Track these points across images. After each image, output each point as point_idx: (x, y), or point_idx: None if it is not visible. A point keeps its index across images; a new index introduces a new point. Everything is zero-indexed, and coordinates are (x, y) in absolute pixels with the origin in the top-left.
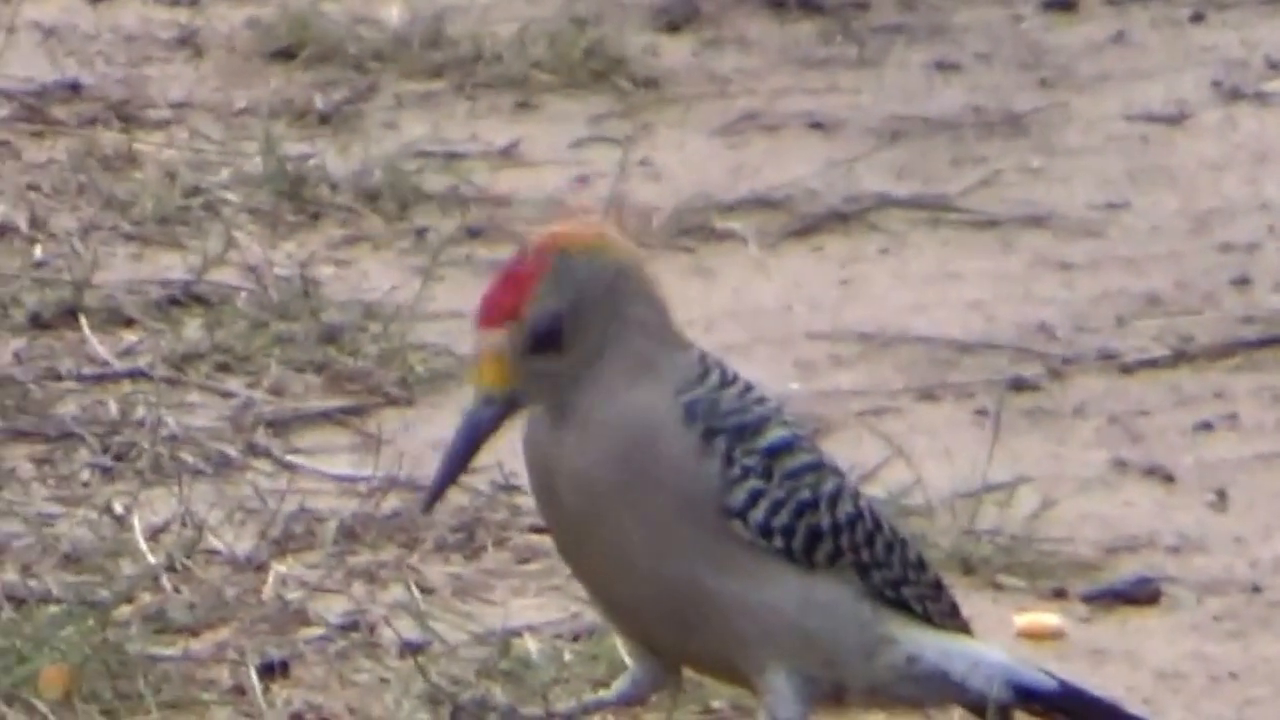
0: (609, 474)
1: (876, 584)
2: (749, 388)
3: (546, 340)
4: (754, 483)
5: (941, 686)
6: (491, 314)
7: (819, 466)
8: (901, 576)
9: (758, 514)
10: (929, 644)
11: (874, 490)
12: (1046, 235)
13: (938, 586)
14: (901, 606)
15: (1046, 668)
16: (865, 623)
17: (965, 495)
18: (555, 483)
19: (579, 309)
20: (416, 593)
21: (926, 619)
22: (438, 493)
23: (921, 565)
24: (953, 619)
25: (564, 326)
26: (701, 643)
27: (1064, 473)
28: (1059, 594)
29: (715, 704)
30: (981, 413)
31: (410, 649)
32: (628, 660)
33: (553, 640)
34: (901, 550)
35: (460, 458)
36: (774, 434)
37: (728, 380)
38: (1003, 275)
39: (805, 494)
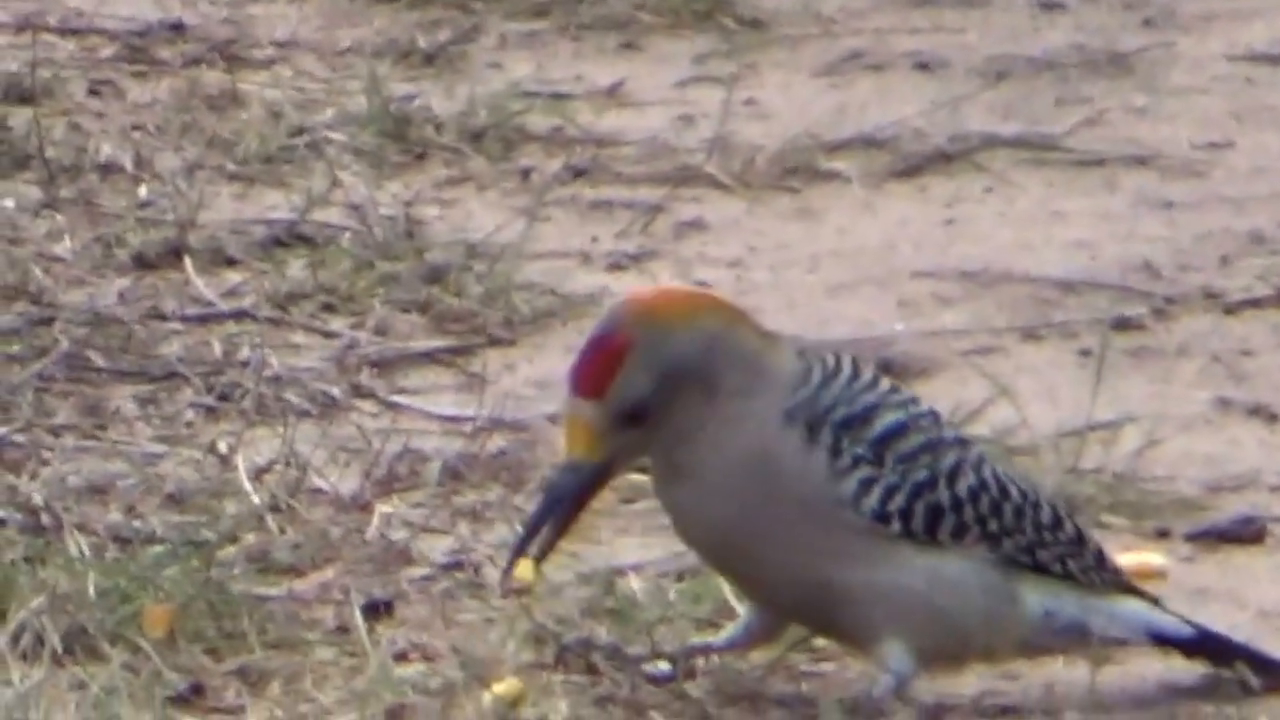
0: (733, 515)
1: (1008, 551)
2: (855, 375)
3: (632, 418)
4: (864, 471)
5: (1081, 637)
6: (580, 385)
7: (936, 445)
8: (1036, 540)
9: (871, 501)
10: (1066, 599)
11: (978, 430)
12: (1151, 174)
13: (1078, 542)
14: (1039, 569)
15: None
16: (995, 592)
17: (1069, 434)
18: (687, 531)
19: (665, 385)
20: (521, 532)
21: (1067, 577)
22: (516, 556)
23: (1058, 524)
24: (1100, 570)
25: (650, 404)
26: (829, 623)
27: (1168, 412)
28: (1162, 533)
29: (820, 643)
30: (1085, 352)
31: (515, 589)
32: (737, 606)
33: (657, 579)
34: (1034, 513)
35: (540, 524)
36: (885, 420)
37: (830, 373)
38: (1107, 214)
39: (922, 474)
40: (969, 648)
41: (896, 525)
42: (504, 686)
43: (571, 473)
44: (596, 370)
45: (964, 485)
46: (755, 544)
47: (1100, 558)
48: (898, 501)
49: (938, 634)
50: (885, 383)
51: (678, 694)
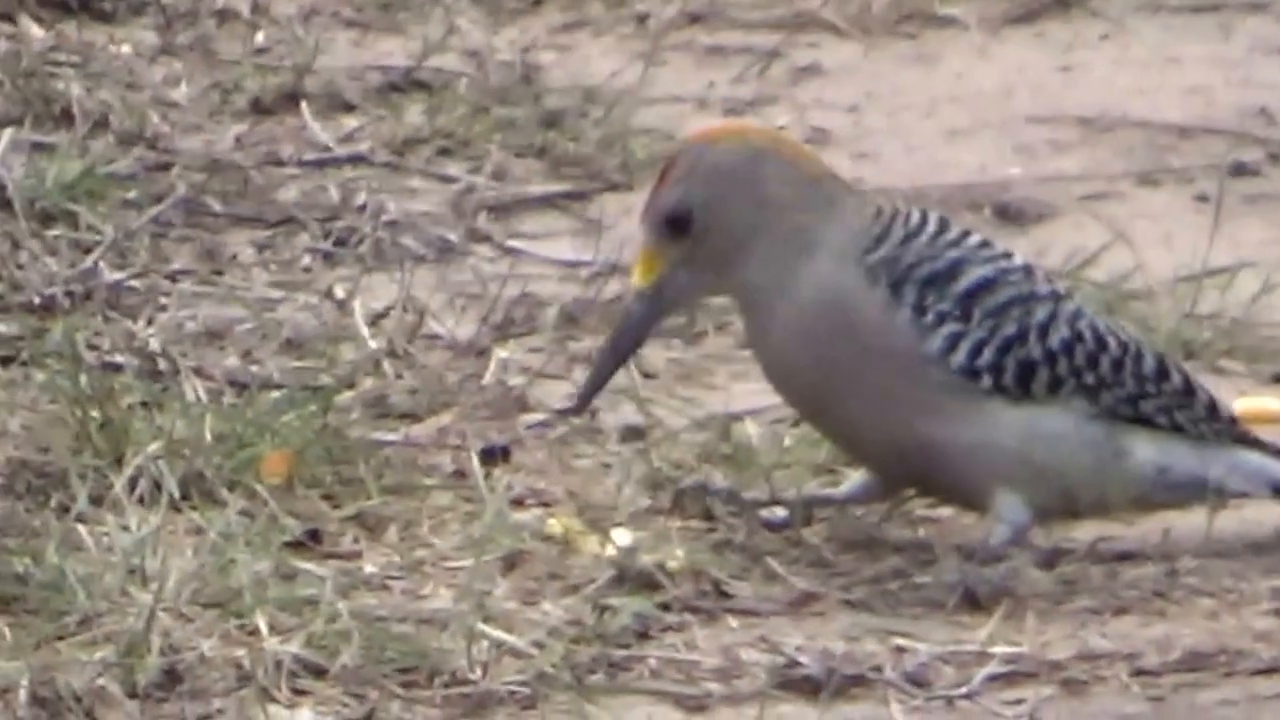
0: (809, 357)
1: (1109, 404)
2: (942, 229)
3: (676, 224)
4: (950, 326)
5: (1198, 491)
6: (641, 213)
7: (1027, 298)
8: (1137, 391)
9: (958, 357)
10: (1180, 453)
11: (1095, 275)
12: (1267, 19)
13: (1187, 393)
14: (1144, 421)
15: None
16: (1097, 445)
17: (1186, 280)
18: (769, 370)
19: (711, 195)
20: (637, 377)
21: (1175, 428)
22: (589, 394)
23: (1163, 375)
24: (1211, 421)
25: (693, 209)
26: (936, 483)
27: None
28: (1278, 378)
29: None
30: (1202, 197)
31: (631, 434)
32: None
33: (773, 424)
34: (1135, 365)
35: (609, 356)
36: (972, 275)
37: (913, 230)
38: (1223, 60)
39: (1011, 329)
40: (1078, 502)
41: (987, 380)
42: (621, 532)
43: (635, 302)
44: (651, 193)
45: (1057, 338)
46: (840, 396)
47: (1212, 409)
48: (986, 356)
49: (1041, 488)
50: (974, 238)
51: (794, 540)
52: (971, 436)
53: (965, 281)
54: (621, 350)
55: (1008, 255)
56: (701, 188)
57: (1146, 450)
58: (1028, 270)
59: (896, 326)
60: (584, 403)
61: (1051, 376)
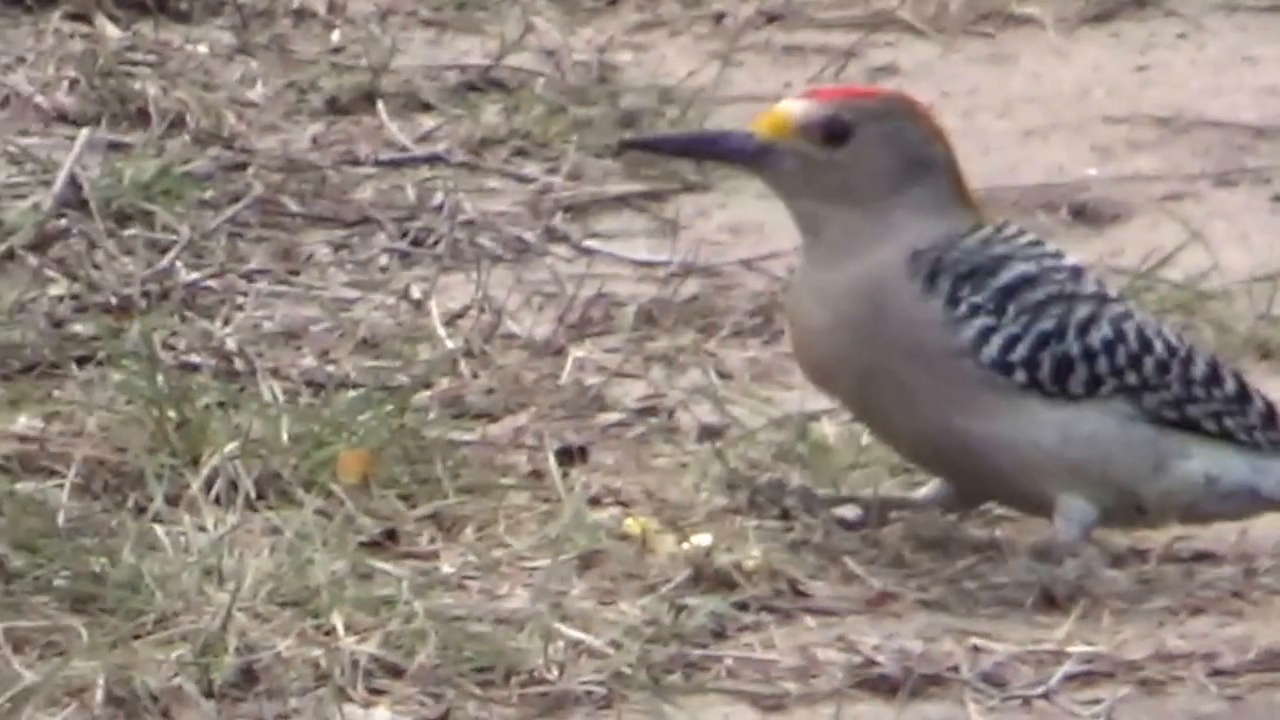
0: (842, 341)
1: (1151, 406)
2: (996, 233)
3: (834, 133)
4: (983, 320)
5: (1252, 503)
6: (810, 91)
7: (1069, 297)
8: (1184, 395)
9: (990, 350)
10: (1231, 462)
11: (1171, 275)
12: None
13: (1241, 399)
14: (1192, 426)
15: None
16: (1139, 448)
17: (1261, 279)
18: (800, 339)
19: (879, 131)
20: (714, 377)
21: (1225, 435)
22: (647, 146)
23: (1215, 380)
24: (1268, 430)
25: (860, 131)
26: (987, 483)
27: None
28: None
29: None
30: (1278, 198)
31: (708, 433)
32: None
33: (850, 424)
34: (1183, 369)
35: (684, 143)
36: (1012, 270)
37: (973, 241)
38: None
39: (1048, 325)
40: (1122, 506)
41: (1021, 375)
42: (698, 532)
43: (741, 138)
44: (838, 89)
45: (1097, 336)
46: (879, 389)
47: (1269, 417)
48: (1020, 351)
49: (1094, 490)
50: (1027, 236)
51: (871, 540)
52: (1008, 433)
53: (1005, 276)
54: (697, 148)
55: (1056, 255)
56: (874, 120)
57: (1197, 458)
58: (1076, 271)
59: (928, 318)
60: (639, 146)
61: (1090, 375)
